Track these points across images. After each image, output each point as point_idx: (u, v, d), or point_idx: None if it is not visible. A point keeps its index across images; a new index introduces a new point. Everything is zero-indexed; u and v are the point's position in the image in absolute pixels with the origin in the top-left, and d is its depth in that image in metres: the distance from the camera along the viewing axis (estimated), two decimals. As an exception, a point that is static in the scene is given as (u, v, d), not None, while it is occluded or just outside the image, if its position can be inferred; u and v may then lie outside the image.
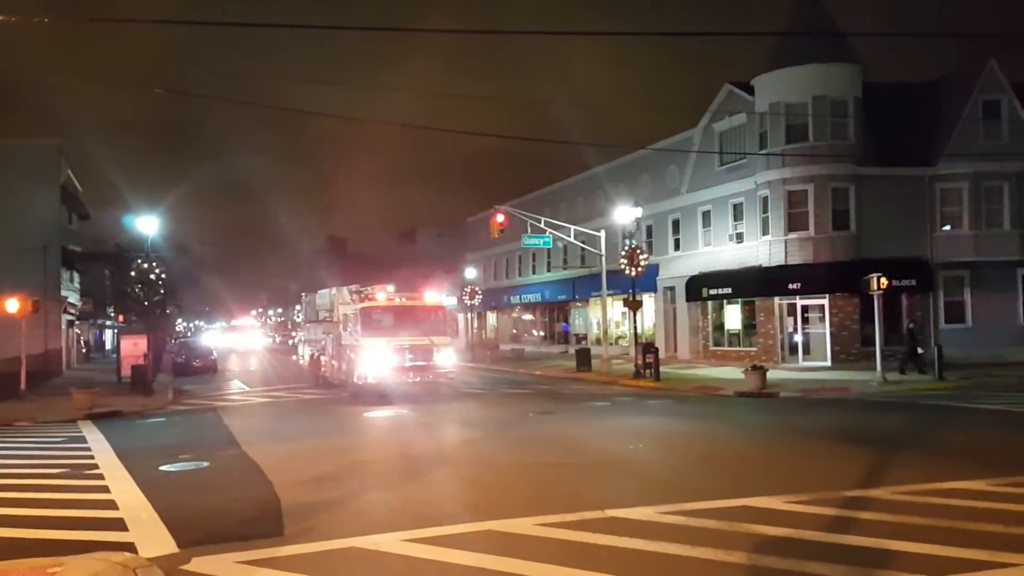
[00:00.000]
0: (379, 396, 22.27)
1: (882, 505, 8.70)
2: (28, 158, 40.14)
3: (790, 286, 29.64)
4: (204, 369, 40.55)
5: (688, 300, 35.32)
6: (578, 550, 7.34)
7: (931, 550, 6.99)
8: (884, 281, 23.33)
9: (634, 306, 29.27)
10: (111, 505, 10.01)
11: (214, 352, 45.76)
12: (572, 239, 35.89)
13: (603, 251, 32.69)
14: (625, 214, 30.40)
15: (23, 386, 26.83)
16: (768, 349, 30.61)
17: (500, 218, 34.08)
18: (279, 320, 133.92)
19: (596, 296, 37.84)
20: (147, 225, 31.53)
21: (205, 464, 12.95)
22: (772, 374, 24.06)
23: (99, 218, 54.25)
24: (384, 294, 24.96)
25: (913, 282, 29.17)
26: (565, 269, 45.48)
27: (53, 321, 40.09)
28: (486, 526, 8.23)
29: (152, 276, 30.72)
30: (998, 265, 29.91)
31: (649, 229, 38.47)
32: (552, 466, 11.97)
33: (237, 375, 38.80)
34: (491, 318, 60.17)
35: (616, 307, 39.88)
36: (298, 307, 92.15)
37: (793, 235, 29.76)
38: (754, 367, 23.39)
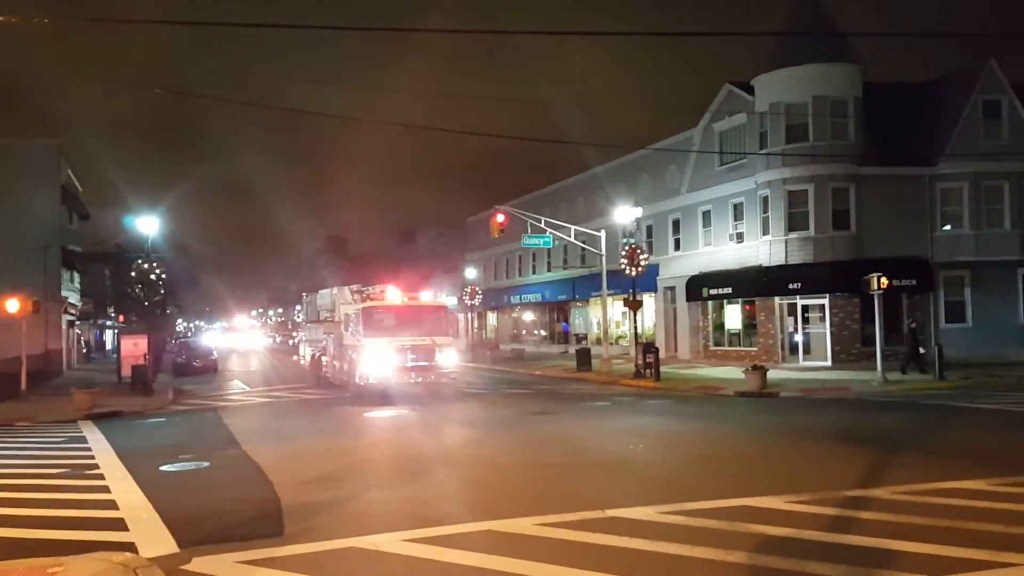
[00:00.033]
0: (381, 396, 22.23)
1: (882, 505, 8.70)
2: (28, 158, 40.15)
3: (790, 286, 29.64)
4: (204, 369, 40.55)
5: (688, 300, 35.32)
6: (578, 550, 7.34)
7: (931, 550, 6.99)
8: (884, 281, 23.33)
9: (634, 306, 29.27)
10: (111, 505, 10.01)
11: (214, 352, 45.74)
12: (572, 239, 35.89)
13: (603, 251, 32.69)
14: (625, 214, 30.40)
15: (23, 386, 26.85)
16: (768, 349, 30.61)
17: (500, 218, 34.07)
18: (279, 320, 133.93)
19: (596, 296, 37.84)
20: (147, 225, 31.57)
21: (205, 464, 12.95)
22: (772, 374, 24.06)
23: (99, 218, 54.31)
24: (386, 294, 24.88)
25: (913, 282, 29.17)
26: (565, 269, 45.49)
27: (53, 321, 40.10)
28: (486, 526, 8.23)
29: (152, 276, 30.79)
30: (998, 265, 29.92)
31: (649, 229, 38.47)
32: (552, 466, 11.97)
33: (237, 375, 38.79)
34: (491, 318, 60.18)
35: (616, 307, 39.88)
36: (298, 307, 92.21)
37: (793, 235, 29.77)
38: (754, 367, 23.39)
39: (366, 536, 7.99)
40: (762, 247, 30.90)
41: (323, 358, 28.70)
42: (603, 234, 32.93)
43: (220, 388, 30.65)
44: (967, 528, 7.64)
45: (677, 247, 37.19)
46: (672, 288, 37.28)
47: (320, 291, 32.07)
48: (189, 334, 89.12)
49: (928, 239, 30.12)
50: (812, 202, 29.50)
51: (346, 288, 26.63)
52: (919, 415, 17.05)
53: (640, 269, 28.92)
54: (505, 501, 9.54)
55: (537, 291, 50.65)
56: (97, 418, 20.99)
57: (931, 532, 7.54)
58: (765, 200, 30.76)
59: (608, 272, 32.45)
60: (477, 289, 47.75)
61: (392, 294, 24.81)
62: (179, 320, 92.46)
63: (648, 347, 27.96)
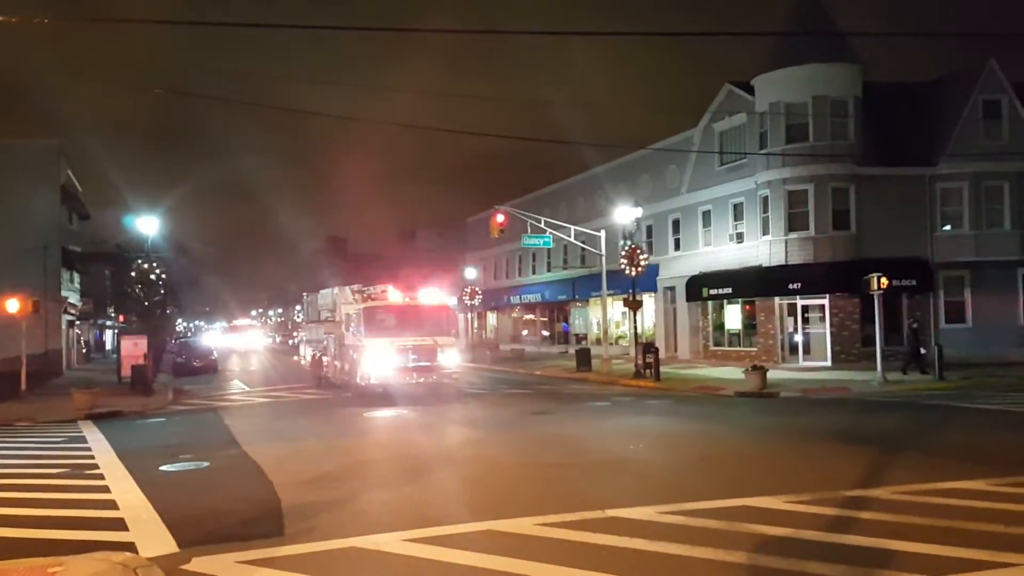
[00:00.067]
0: (382, 397, 22.20)
1: (882, 505, 8.70)
2: (28, 158, 40.17)
3: (790, 286, 29.64)
4: (204, 369, 40.56)
5: (688, 300, 35.32)
6: (578, 550, 7.34)
7: (931, 550, 6.99)
8: (884, 281, 23.33)
9: (634, 306, 29.27)
10: (111, 505, 10.01)
11: (214, 352, 45.74)
12: (572, 239, 35.89)
13: (603, 251, 32.69)
14: (625, 214, 30.39)
15: (23, 386, 26.84)
16: (768, 349, 30.61)
17: (500, 218, 34.06)
18: (279, 320, 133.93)
19: (596, 296, 37.84)
20: (147, 225, 31.59)
21: (205, 464, 12.95)
22: (772, 374, 24.06)
23: (99, 218, 54.33)
24: (388, 294, 24.80)
25: (913, 282, 29.17)
26: (565, 269, 45.49)
27: (53, 321, 40.10)
28: (486, 526, 8.24)
29: (152, 276, 30.82)
30: (998, 265, 29.92)
31: (649, 229, 38.47)
32: (552, 466, 11.98)
33: (237, 375, 38.79)
34: (491, 318, 60.18)
35: (616, 307, 39.88)
36: (298, 307, 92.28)
37: (793, 235, 29.77)
38: (754, 367, 23.39)
39: (366, 536, 7.99)
40: (762, 247, 30.90)
41: (324, 358, 28.65)
42: (603, 234, 32.93)
43: (220, 388, 30.64)
44: (967, 528, 7.64)
45: (677, 247, 37.19)
46: (672, 288, 37.28)
47: (321, 291, 32.01)
48: (189, 334, 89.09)
49: (928, 239, 30.12)
50: (812, 202, 29.51)
51: (347, 288, 26.50)
52: (919, 415, 17.05)
53: (640, 269, 28.92)
54: (505, 501, 9.54)
55: (537, 291, 50.65)
56: (97, 418, 20.98)
57: (931, 532, 7.54)
58: (765, 200, 30.77)
59: (608, 272, 32.45)
60: (477, 289, 47.74)
61: (393, 294, 24.64)
62: (179, 320, 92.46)
63: (648, 347, 27.96)
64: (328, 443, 15.16)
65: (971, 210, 30.05)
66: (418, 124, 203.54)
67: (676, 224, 37.28)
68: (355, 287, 26.07)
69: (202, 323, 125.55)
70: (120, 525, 8.98)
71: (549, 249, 42.77)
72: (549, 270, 48.40)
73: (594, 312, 44.42)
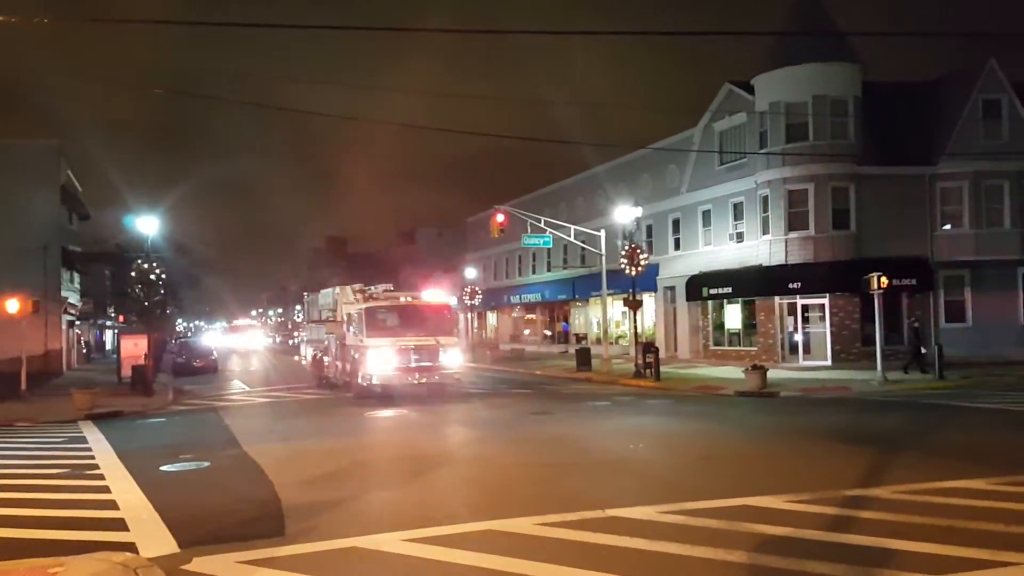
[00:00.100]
0: (382, 397, 22.15)
1: (882, 504, 8.70)
2: (28, 158, 40.17)
3: (790, 285, 29.64)
4: (204, 369, 40.57)
5: (688, 300, 35.32)
6: (578, 550, 7.35)
7: (931, 549, 7.00)
8: (884, 280, 23.32)
9: (634, 306, 29.27)
10: (112, 505, 10.01)
11: (214, 352, 45.76)
12: (572, 239, 35.89)
13: (603, 251, 32.69)
14: (625, 214, 30.39)
15: (23, 386, 26.84)
16: (768, 348, 30.61)
17: (500, 218, 34.06)
18: (279, 320, 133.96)
19: (596, 296, 37.84)
20: (147, 225, 31.55)
21: (206, 464, 12.96)
22: (772, 374, 24.06)
23: (99, 218, 54.29)
24: (389, 293, 24.66)
25: (913, 281, 29.16)
26: (565, 269, 45.48)
27: (53, 321, 40.11)
28: (486, 526, 8.24)
29: (152, 276, 30.73)
30: (998, 264, 29.92)
31: (649, 229, 38.47)
32: (552, 466, 11.98)
33: (237, 375, 38.80)
34: (491, 318, 60.19)
35: (616, 307, 39.88)
36: (298, 307, 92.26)
37: (793, 234, 29.77)
38: (754, 367, 23.38)
39: (367, 536, 7.99)
40: (762, 247, 30.90)
41: (325, 358, 28.58)
42: (603, 234, 32.93)
43: (220, 388, 30.65)
44: (967, 527, 7.64)
45: (677, 247, 37.19)
46: (672, 288, 37.28)
47: (322, 291, 31.98)
48: (189, 334, 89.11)
49: (928, 239, 30.12)
50: (812, 202, 29.50)
51: (348, 287, 26.40)
52: (919, 415, 17.05)
53: (640, 269, 28.92)
54: (505, 501, 9.55)
55: (537, 291, 50.65)
56: (97, 418, 20.99)
57: (931, 531, 7.55)
58: (765, 200, 30.77)
59: (608, 272, 32.44)
60: (477, 289, 47.75)
61: (395, 294, 24.45)
62: (179, 320, 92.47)
63: (648, 347, 27.95)
64: (328, 443, 15.16)
65: (971, 209, 30.05)
66: (418, 124, 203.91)
67: (676, 224, 37.28)
68: (356, 286, 25.96)
69: (202, 323, 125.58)
70: (120, 525, 8.99)
71: (549, 249, 42.76)
72: (549, 270, 48.40)
73: (594, 312, 44.42)
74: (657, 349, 27.75)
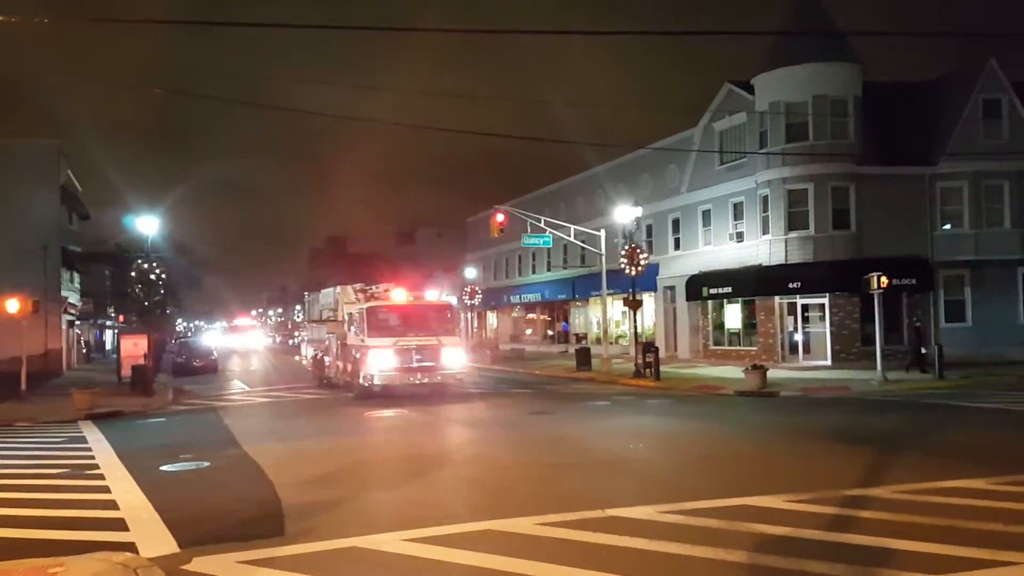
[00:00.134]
0: (382, 397, 22.12)
1: (882, 504, 8.70)
2: (28, 158, 40.16)
3: (790, 285, 29.64)
4: (204, 369, 40.58)
5: (688, 299, 35.32)
6: (578, 549, 7.35)
7: (931, 549, 7.00)
8: (884, 280, 23.32)
9: (634, 305, 29.27)
10: (112, 505, 10.01)
11: (214, 352, 45.77)
12: (572, 239, 35.89)
13: (603, 250, 32.68)
14: (625, 213, 30.39)
15: (23, 386, 26.83)
16: (768, 348, 30.61)
17: (500, 218, 34.04)
18: (279, 320, 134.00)
19: (596, 295, 37.84)
20: (147, 225, 31.55)
21: (206, 464, 12.96)
22: (772, 373, 24.06)
23: (99, 218, 54.30)
24: (391, 293, 24.50)
25: (913, 281, 29.16)
26: (565, 269, 45.48)
27: (53, 321, 40.10)
28: (486, 526, 8.24)
29: (152, 276, 30.74)
30: (998, 264, 29.92)
31: (649, 228, 38.47)
32: (552, 466, 11.98)
33: (238, 375, 38.81)
34: (491, 318, 60.18)
35: (616, 306, 39.89)
36: (298, 307, 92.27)
37: (793, 234, 29.77)
38: (754, 366, 23.38)
39: (367, 536, 7.99)
40: (762, 246, 30.90)
41: (326, 358, 28.51)
42: (603, 234, 32.93)
43: (220, 388, 30.65)
44: (967, 527, 7.64)
45: (677, 247, 37.19)
46: (672, 288, 37.29)
47: (323, 290, 31.91)
48: (189, 334, 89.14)
49: (928, 238, 30.12)
50: (812, 201, 29.50)
51: (349, 287, 26.28)
52: (919, 414, 17.06)
53: (640, 268, 28.92)
54: (505, 501, 9.55)
55: (537, 291, 50.65)
56: (97, 418, 20.99)
57: (931, 531, 7.55)
58: (765, 199, 30.77)
59: (608, 272, 32.44)
60: (477, 289, 47.74)
61: (397, 293, 24.31)
62: (179, 320, 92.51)
63: (648, 347, 27.95)
64: (328, 443, 15.16)
65: (971, 209, 30.05)
66: (418, 124, 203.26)
67: (676, 223, 37.28)
68: (358, 286, 25.83)
69: (202, 323, 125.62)
70: (120, 525, 8.99)
71: (549, 249, 42.77)
72: (549, 270, 48.40)
73: (594, 311, 44.43)
74: (657, 349, 27.75)
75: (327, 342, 28.45)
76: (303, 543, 7.84)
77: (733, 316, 33.56)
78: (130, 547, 7.90)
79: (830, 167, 29.27)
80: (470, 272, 54.89)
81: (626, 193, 36.46)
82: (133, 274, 31.67)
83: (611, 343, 36.66)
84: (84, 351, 55.39)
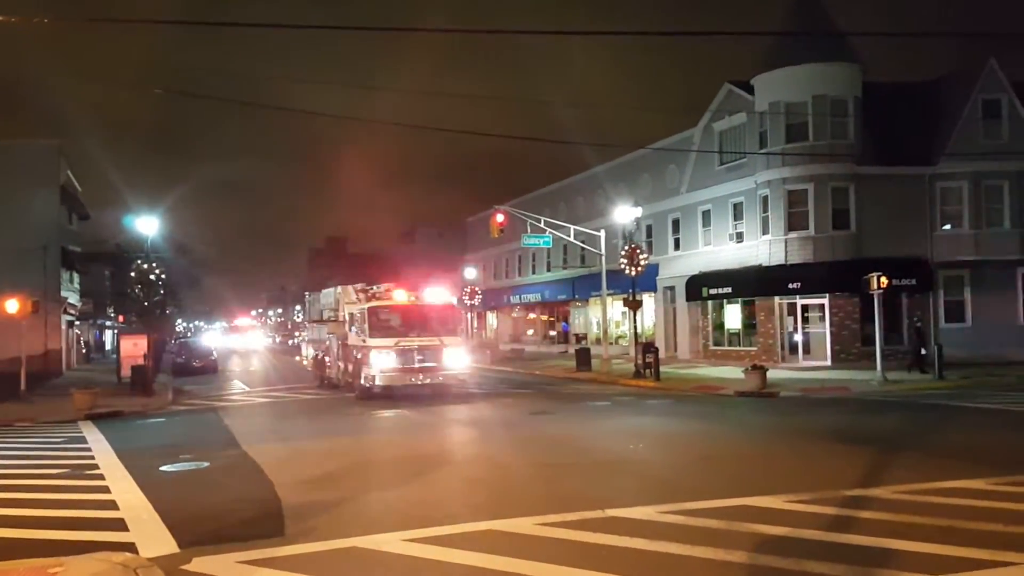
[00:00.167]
0: (383, 397, 22.07)
1: (882, 504, 8.70)
2: (28, 158, 40.15)
3: (790, 285, 29.64)
4: (204, 369, 40.56)
5: (688, 300, 35.32)
6: (578, 549, 7.35)
7: (931, 549, 7.00)
8: (884, 280, 23.32)
9: (634, 306, 29.26)
10: (112, 505, 10.01)
11: (214, 352, 45.76)
12: (572, 239, 35.89)
13: (603, 251, 32.68)
14: (625, 214, 30.39)
15: (23, 387, 26.83)
16: (768, 349, 30.61)
17: (500, 218, 34.04)
18: (279, 320, 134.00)
19: (596, 296, 37.84)
20: (147, 225, 31.53)
21: (206, 464, 12.95)
22: (772, 374, 24.06)
23: (99, 218, 54.33)
24: (392, 293, 24.35)
25: (913, 281, 29.17)
26: (565, 269, 45.48)
27: (53, 322, 40.09)
28: (487, 526, 8.24)
29: (152, 276, 30.70)
30: (998, 264, 29.92)
31: (649, 229, 38.47)
32: (552, 466, 11.98)
33: (237, 375, 38.80)
34: (491, 318, 60.18)
35: (616, 307, 39.89)
36: (298, 307, 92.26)
37: (793, 234, 29.77)
38: (754, 367, 23.38)
39: (367, 536, 7.99)
40: (762, 247, 30.91)
41: (326, 358, 28.43)
42: (603, 234, 32.93)
43: (220, 388, 30.64)
44: (967, 527, 7.64)
45: (677, 247, 37.19)
46: (672, 288, 37.29)
47: (323, 290, 31.80)
48: (189, 334, 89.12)
49: (928, 239, 30.12)
50: (812, 202, 29.51)
51: (350, 287, 26.11)
52: (919, 415, 17.06)
53: (640, 269, 28.91)
54: (505, 501, 9.55)
55: (537, 291, 50.65)
56: (97, 418, 20.98)
57: (931, 531, 7.55)
58: (765, 200, 30.77)
59: (608, 272, 32.44)
60: (477, 289, 47.73)
61: (398, 293, 24.13)
62: (179, 320, 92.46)
63: (648, 347, 27.95)
64: (328, 443, 15.16)
65: (971, 209, 30.05)
66: (417, 124, 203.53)
67: (676, 224, 37.28)
68: (359, 286, 25.70)
69: (202, 323, 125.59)
70: (120, 525, 8.99)
71: (549, 249, 42.76)
72: (549, 270, 48.40)
73: (594, 312, 44.42)
74: (657, 349, 27.75)
75: (328, 342, 28.36)
76: (303, 543, 7.84)
77: (733, 316, 33.57)
78: (130, 547, 7.90)
79: (830, 167, 29.27)
80: (470, 272, 54.88)
81: (626, 193, 36.46)
82: (133, 274, 31.63)
83: (611, 343, 36.66)
84: (84, 351, 55.38)
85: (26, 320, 27.68)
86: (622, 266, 28.96)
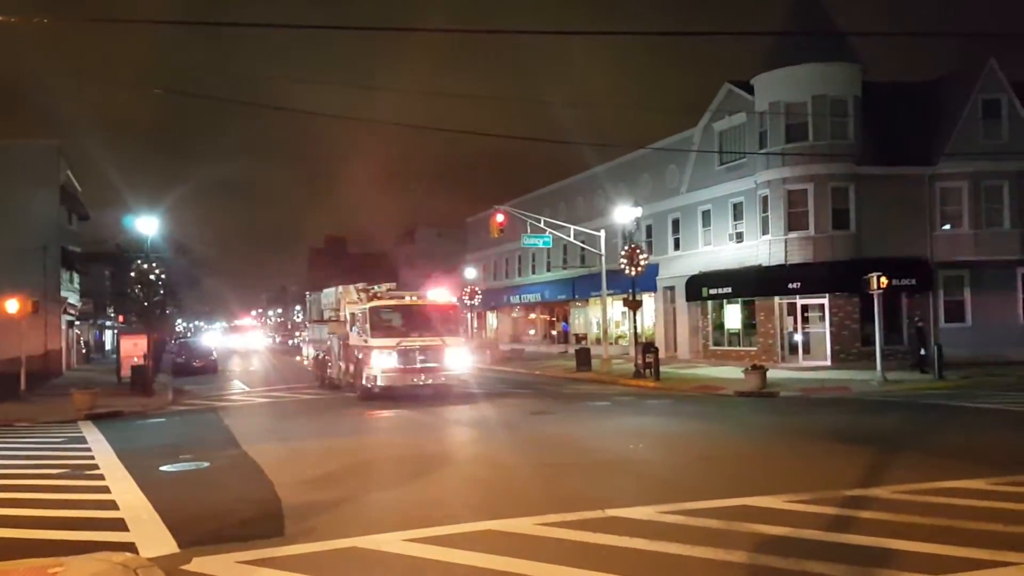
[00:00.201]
0: (384, 397, 22.02)
1: (882, 504, 8.71)
2: (28, 158, 40.14)
3: (790, 285, 29.65)
4: (204, 369, 40.56)
5: (688, 300, 35.33)
6: (578, 549, 7.35)
7: (931, 549, 7.00)
8: (884, 280, 23.33)
9: (634, 306, 29.27)
10: (112, 505, 10.01)
11: (214, 352, 45.76)
12: (572, 239, 35.90)
13: (603, 251, 32.69)
14: (625, 214, 30.40)
15: (23, 387, 26.84)
16: (768, 349, 30.61)
17: (500, 218, 34.06)
18: (279, 320, 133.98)
19: (596, 296, 37.85)
20: (147, 225, 31.53)
21: (206, 464, 12.95)
22: (772, 374, 24.06)
23: (99, 218, 54.30)
24: (394, 292, 24.27)
25: (913, 281, 29.18)
26: (565, 269, 45.49)
27: (53, 322, 40.09)
28: (487, 526, 8.24)
29: (152, 276, 30.67)
30: (998, 264, 29.93)
31: (649, 229, 38.48)
32: (552, 466, 11.98)
33: (237, 375, 38.80)
34: (491, 318, 60.18)
35: (616, 307, 39.89)
36: (298, 307, 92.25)
37: (793, 234, 29.77)
38: (754, 367, 23.39)
39: (367, 536, 7.99)
40: (762, 247, 30.91)
41: (327, 359, 28.38)
42: (603, 234, 32.93)
43: (220, 388, 30.64)
44: (967, 527, 7.64)
45: (677, 247, 37.20)
46: (672, 288, 37.29)
47: (324, 290, 31.73)
48: (189, 334, 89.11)
49: (928, 239, 30.12)
50: (812, 202, 29.51)
51: (351, 287, 26.04)
52: (919, 415, 17.07)
53: (640, 269, 28.92)
54: (505, 501, 9.55)
55: (537, 291, 50.66)
56: (97, 418, 20.98)
57: (931, 531, 7.55)
58: (765, 200, 30.77)
59: (608, 272, 32.44)
60: (477, 289, 47.71)
61: (400, 293, 24.02)
62: (179, 320, 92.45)
63: (648, 347, 27.95)
64: (328, 443, 15.16)
65: (971, 209, 30.06)
66: (418, 124, 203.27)
67: (676, 224, 37.29)
68: (360, 285, 25.62)
69: (202, 323, 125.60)
70: (120, 525, 8.98)
71: (549, 249, 42.77)
72: (549, 270, 48.40)
73: (594, 312, 44.43)
74: (657, 349, 27.75)
75: (329, 342, 28.29)
76: (303, 543, 7.84)
77: (733, 316, 33.57)
78: (130, 547, 7.90)
79: (830, 167, 29.28)
80: (470, 272, 54.89)
81: (626, 193, 36.46)
82: (133, 274, 31.57)
83: (611, 343, 36.66)
84: (84, 351, 55.38)
85: (26, 320, 27.69)
86: (622, 266, 28.97)
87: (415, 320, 23.21)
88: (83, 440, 16.75)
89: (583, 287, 43.17)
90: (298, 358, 42.45)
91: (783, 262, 29.90)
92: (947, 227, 30.33)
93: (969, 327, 29.97)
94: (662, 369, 27.10)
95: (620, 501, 9.08)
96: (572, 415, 18.75)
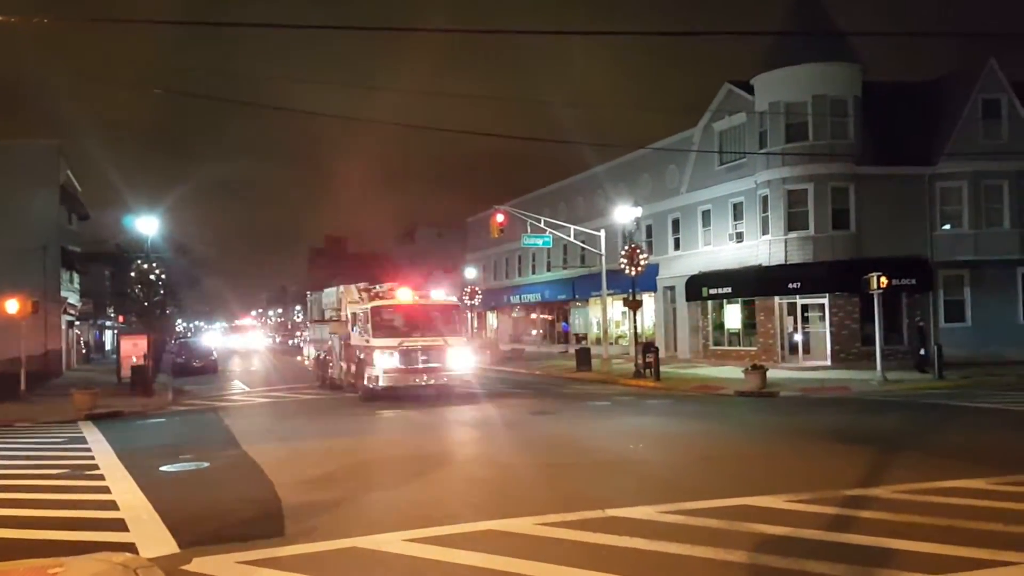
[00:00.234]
0: (384, 398, 21.99)
1: (882, 504, 8.71)
2: (27, 158, 40.16)
3: (790, 285, 29.65)
4: (204, 369, 40.55)
5: (688, 300, 35.33)
6: (579, 549, 7.35)
7: (931, 549, 7.00)
8: (884, 280, 23.33)
9: (634, 306, 29.27)
10: (112, 505, 10.01)
11: (214, 352, 45.74)
12: (572, 239, 35.91)
13: (603, 251, 32.69)
14: (625, 214, 30.41)
15: (23, 387, 26.84)
16: (768, 348, 30.61)
17: (500, 218, 34.06)
18: (279, 320, 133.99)
19: (596, 296, 37.86)
20: (147, 225, 31.55)
21: (206, 464, 12.95)
22: (772, 373, 24.07)
23: (99, 218, 54.36)
24: (396, 292, 24.14)
25: (913, 281, 29.17)
26: (565, 269, 45.50)
27: (53, 322, 40.09)
28: (487, 526, 8.24)
29: (152, 276, 30.69)
30: (998, 264, 29.94)
31: (649, 229, 38.48)
32: (552, 466, 11.98)
33: (238, 375, 38.79)
34: (491, 318, 60.19)
35: (616, 307, 39.90)
36: (298, 307, 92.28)
37: (793, 234, 29.77)
38: (754, 366, 23.39)
39: (367, 536, 7.99)
40: (762, 247, 30.91)
41: (328, 359, 28.33)
42: (603, 234, 32.93)
43: (220, 388, 30.64)
44: (967, 527, 7.65)
45: (677, 247, 37.20)
46: (672, 288, 37.29)
47: (325, 290, 31.67)
48: (189, 334, 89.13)
49: (928, 238, 30.13)
50: (811, 202, 29.51)
51: (353, 286, 25.93)
52: (919, 415, 17.07)
53: (640, 269, 28.92)
54: (506, 501, 9.55)
55: (537, 291, 50.66)
56: (97, 418, 20.98)
57: (931, 531, 7.55)
58: (765, 200, 30.77)
59: (608, 272, 32.45)
60: (477, 289, 47.71)
61: (402, 292, 23.91)
62: (179, 320, 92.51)
63: (648, 347, 27.96)
64: (329, 443, 15.15)
65: (971, 209, 30.06)
66: (418, 124, 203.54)
67: (676, 224, 37.29)
68: (361, 285, 25.53)
69: (202, 323, 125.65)
70: (120, 525, 8.98)
71: (549, 249, 42.78)
72: (549, 270, 48.41)
73: (594, 312, 44.43)
74: (657, 349, 27.75)
75: (330, 342, 28.20)
76: (303, 543, 7.84)
77: (733, 316, 33.57)
78: (130, 547, 7.90)
79: (830, 167, 29.28)
80: (470, 272, 54.91)
81: (626, 193, 36.47)
82: (133, 274, 31.60)
83: (611, 343, 36.67)
84: (84, 351, 55.39)
85: (26, 320, 27.69)
86: (622, 266, 28.97)
87: (417, 320, 23.11)
88: (83, 440, 16.75)
89: (583, 287, 43.17)
90: (299, 358, 42.45)
91: (783, 262, 29.91)
92: (947, 227, 30.34)
93: (969, 327, 29.99)
94: (662, 369, 27.11)
95: (620, 501, 9.09)
96: (573, 415, 18.75)
